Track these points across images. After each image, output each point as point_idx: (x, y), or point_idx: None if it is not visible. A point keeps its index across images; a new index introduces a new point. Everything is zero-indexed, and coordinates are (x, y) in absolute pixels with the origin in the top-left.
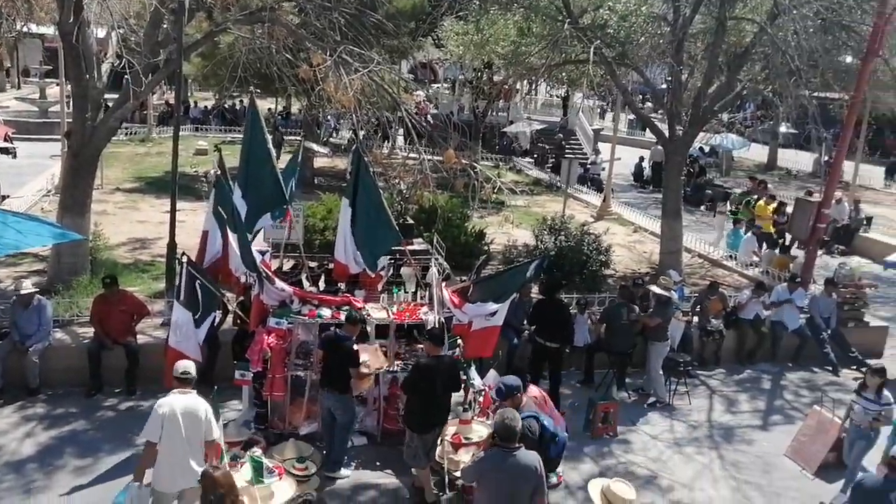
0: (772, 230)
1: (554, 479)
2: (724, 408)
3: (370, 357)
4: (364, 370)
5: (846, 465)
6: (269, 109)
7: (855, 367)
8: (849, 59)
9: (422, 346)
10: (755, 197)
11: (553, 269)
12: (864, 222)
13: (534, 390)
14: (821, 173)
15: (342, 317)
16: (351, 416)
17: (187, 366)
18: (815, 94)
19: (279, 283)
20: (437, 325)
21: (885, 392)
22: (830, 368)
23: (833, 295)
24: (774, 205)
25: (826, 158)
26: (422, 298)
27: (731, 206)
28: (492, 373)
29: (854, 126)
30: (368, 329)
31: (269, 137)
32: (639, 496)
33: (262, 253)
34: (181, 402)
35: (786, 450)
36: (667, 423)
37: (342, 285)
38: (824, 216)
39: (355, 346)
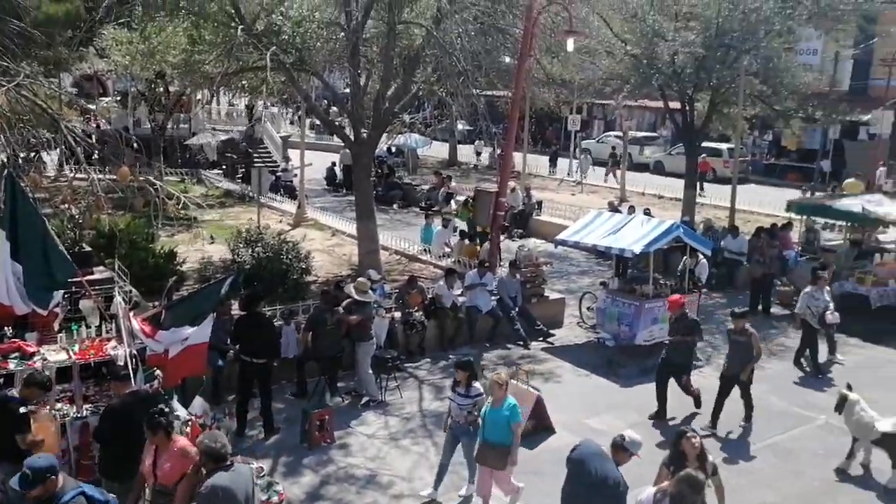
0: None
1: (275, 498)
2: (433, 395)
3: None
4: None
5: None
6: None
7: (541, 339)
8: (507, 59)
9: None
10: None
11: (253, 282)
12: (536, 206)
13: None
14: (495, 164)
15: (11, 366)
16: None
17: None
18: (483, 92)
19: None
20: (127, 359)
21: (475, 384)
22: (521, 343)
23: (517, 275)
24: None
25: (499, 151)
26: (108, 332)
27: (455, 207)
28: (198, 400)
29: (518, 120)
30: (48, 374)
31: None
32: (360, 497)
33: None
34: None
35: None
36: (381, 420)
37: (8, 330)
38: (502, 204)
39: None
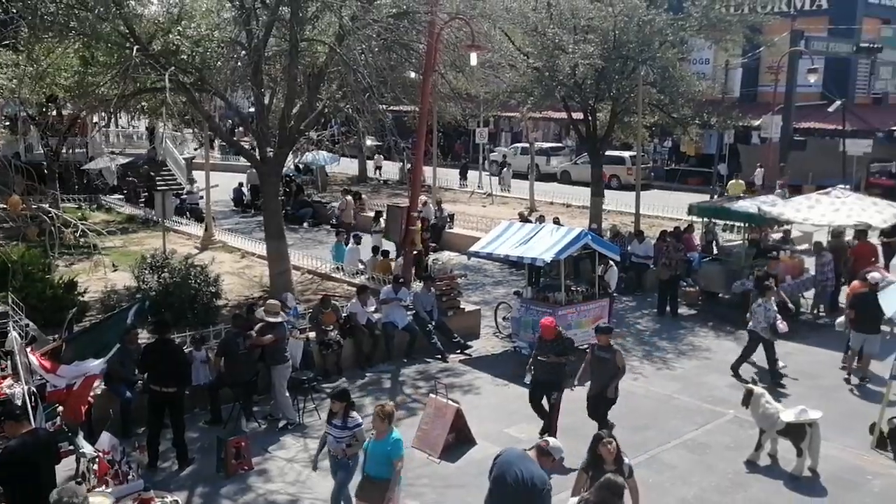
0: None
1: None
2: None
3: None
4: None
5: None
6: None
7: (459, 351)
8: (412, 74)
9: None
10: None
11: (161, 309)
12: (448, 220)
13: None
14: (405, 179)
15: None
16: None
17: None
18: (390, 108)
19: None
20: (25, 397)
21: (353, 414)
22: (440, 356)
23: (432, 289)
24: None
25: (409, 166)
26: (3, 370)
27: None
28: (105, 435)
29: (427, 134)
30: None
31: None
32: None
33: None
34: None
35: (412, 441)
36: (300, 443)
37: None
38: (414, 219)
39: None
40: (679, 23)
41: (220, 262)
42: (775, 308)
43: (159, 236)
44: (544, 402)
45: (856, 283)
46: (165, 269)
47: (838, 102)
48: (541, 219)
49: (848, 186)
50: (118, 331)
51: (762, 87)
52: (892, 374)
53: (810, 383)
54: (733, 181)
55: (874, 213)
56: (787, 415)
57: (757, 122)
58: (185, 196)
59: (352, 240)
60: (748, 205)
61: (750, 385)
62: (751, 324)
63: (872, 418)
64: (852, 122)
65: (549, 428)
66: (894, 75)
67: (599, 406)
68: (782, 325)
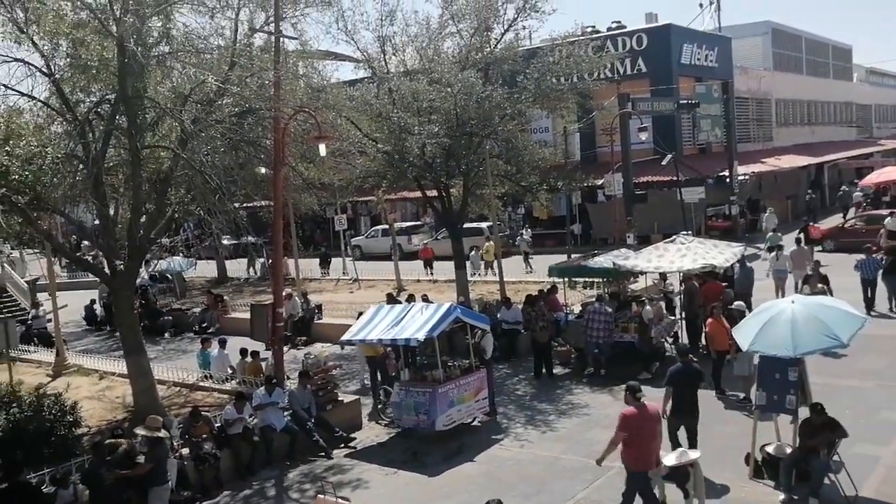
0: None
1: None
2: None
3: None
4: None
5: None
6: None
7: (343, 445)
8: (263, 170)
9: None
10: None
11: (15, 450)
12: (316, 310)
13: None
14: (266, 275)
15: None
16: None
17: None
18: (244, 205)
19: None
20: None
21: None
22: (323, 454)
23: (307, 385)
24: None
25: (270, 261)
26: None
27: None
28: None
29: (285, 228)
30: None
31: None
32: None
33: None
34: None
35: None
36: None
37: None
38: (280, 315)
39: None
40: (515, 96)
41: (76, 387)
42: None
43: (4, 368)
44: None
45: (711, 320)
46: (14, 405)
47: (669, 156)
48: (410, 298)
49: (689, 232)
50: None
51: (600, 149)
52: (756, 403)
53: None
54: (487, 244)
55: (717, 254)
56: (669, 459)
57: (600, 182)
58: (30, 321)
59: (218, 345)
60: (603, 260)
61: None
62: None
63: (746, 449)
64: (684, 172)
65: None
66: (713, 127)
67: None
68: None
